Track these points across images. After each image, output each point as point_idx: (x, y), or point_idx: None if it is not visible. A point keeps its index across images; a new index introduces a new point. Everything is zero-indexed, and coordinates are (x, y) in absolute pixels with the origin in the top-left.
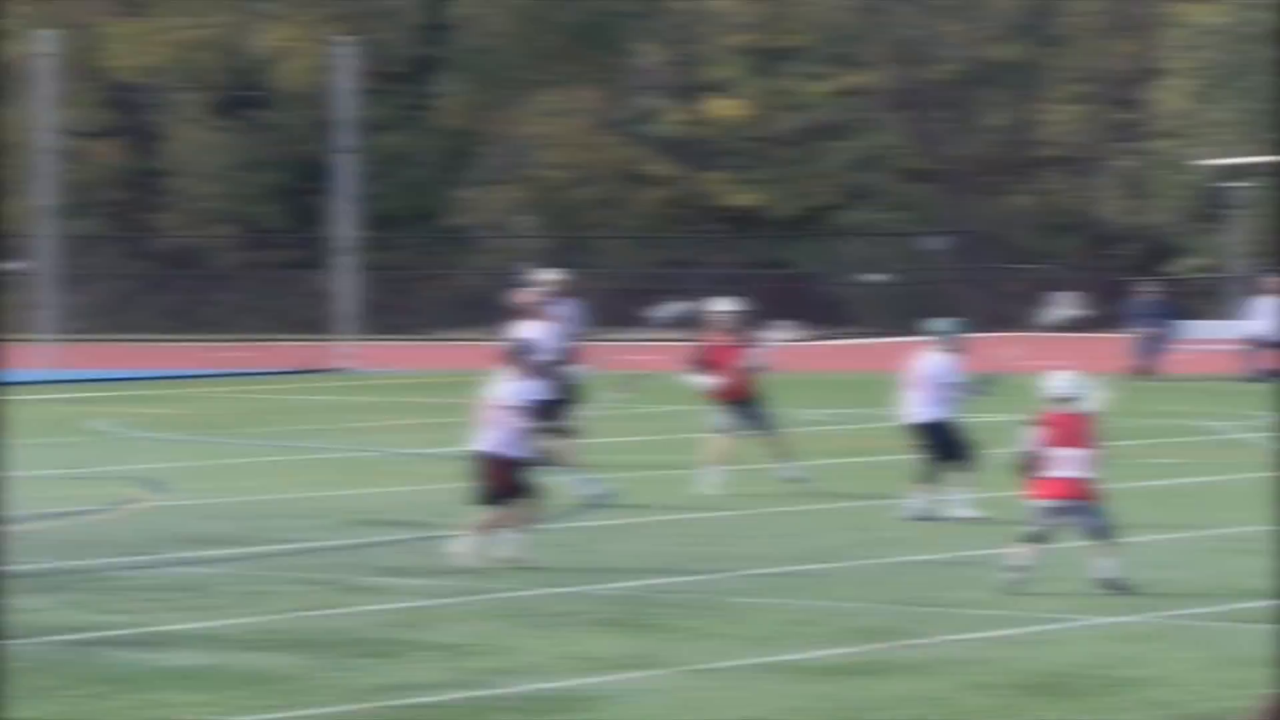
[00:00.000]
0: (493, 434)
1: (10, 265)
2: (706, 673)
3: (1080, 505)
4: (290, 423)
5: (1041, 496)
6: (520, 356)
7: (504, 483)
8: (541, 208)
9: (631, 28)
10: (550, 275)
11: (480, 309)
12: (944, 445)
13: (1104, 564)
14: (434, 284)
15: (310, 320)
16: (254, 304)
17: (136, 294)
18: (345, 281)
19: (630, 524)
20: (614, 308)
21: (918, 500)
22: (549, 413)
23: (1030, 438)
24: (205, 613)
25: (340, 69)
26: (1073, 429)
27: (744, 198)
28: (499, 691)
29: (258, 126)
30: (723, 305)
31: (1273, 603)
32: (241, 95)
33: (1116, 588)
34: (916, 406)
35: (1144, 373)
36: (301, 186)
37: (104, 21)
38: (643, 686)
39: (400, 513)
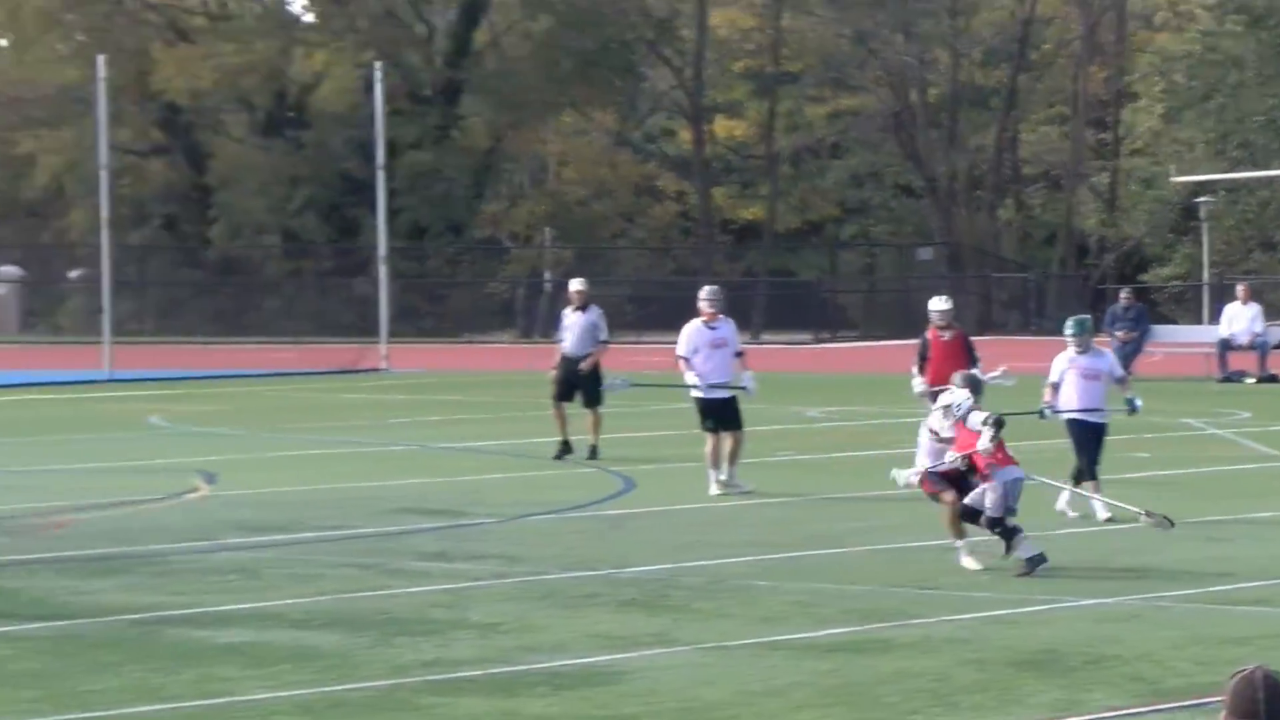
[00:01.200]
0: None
1: (73, 274)
2: (719, 650)
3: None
4: (332, 419)
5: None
6: None
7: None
8: (560, 221)
9: (643, 53)
10: (575, 284)
11: (505, 314)
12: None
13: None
14: (462, 291)
15: (348, 324)
16: (296, 309)
17: (188, 300)
18: (380, 288)
19: (653, 512)
20: (628, 314)
21: (1096, 501)
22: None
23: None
24: (256, 594)
25: (374, 92)
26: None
27: (748, 211)
28: (529, 667)
29: (299, 145)
30: None
31: (1243, 586)
32: (284, 116)
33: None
34: (1069, 403)
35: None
36: (339, 201)
37: (156, 48)
38: (660, 663)
39: (437, 502)
